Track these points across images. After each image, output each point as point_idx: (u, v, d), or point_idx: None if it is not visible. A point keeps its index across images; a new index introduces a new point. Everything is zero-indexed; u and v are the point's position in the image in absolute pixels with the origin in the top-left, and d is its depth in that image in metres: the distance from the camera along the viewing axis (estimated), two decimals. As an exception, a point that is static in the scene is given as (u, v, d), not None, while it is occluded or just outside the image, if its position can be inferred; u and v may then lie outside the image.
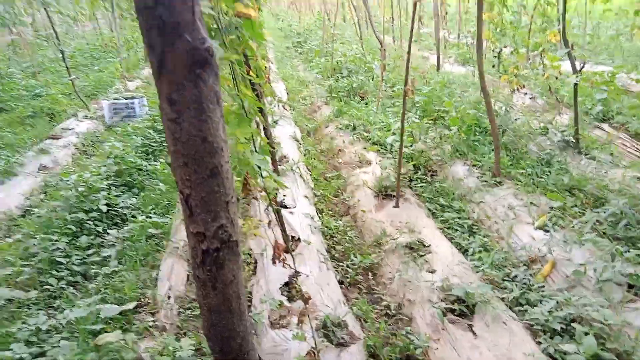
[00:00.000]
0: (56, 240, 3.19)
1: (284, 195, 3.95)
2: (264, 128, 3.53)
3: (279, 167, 4.38)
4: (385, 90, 7.36)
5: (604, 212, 3.49)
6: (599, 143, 4.99)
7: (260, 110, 3.18)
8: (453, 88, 7.11)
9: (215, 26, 2.15)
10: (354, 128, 5.87)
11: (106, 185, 3.90)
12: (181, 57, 0.68)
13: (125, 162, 4.38)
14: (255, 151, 2.13)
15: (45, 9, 7.60)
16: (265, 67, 7.36)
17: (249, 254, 3.26)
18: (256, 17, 2.20)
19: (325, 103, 7.32)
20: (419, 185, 4.47)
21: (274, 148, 3.35)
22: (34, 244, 3.13)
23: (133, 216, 3.70)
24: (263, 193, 2.33)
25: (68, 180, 3.94)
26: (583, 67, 4.71)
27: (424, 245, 3.40)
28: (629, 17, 10.49)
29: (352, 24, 11.71)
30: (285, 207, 3.79)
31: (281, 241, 3.09)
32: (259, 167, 1.97)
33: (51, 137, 5.65)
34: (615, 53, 9.47)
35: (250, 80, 2.88)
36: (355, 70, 8.60)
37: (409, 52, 3.99)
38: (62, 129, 5.94)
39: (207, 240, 0.80)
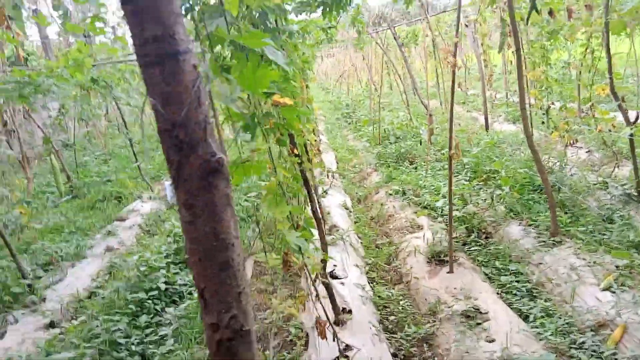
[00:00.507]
0: (117, 321, 3.35)
1: (335, 266, 3.97)
2: (311, 201, 3.63)
3: (328, 236, 4.44)
4: (434, 154, 7.39)
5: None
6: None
7: (306, 184, 3.32)
8: (503, 147, 7.04)
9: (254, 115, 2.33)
10: (404, 193, 5.89)
11: (165, 264, 4.11)
12: (195, 169, 0.80)
13: (184, 240, 4.59)
14: (295, 228, 2.21)
15: (116, 102, 8.43)
16: (315, 140, 7.66)
17: (300, 328, 3.26)
18: (292, 103, 2.36)
19: (375, 170, 7.43)
20: (473, 248, 4.36)
21: (321, 220, 3.43)
22: (97, 325, 3.30)
23: (189, 293, 3.84)
24: (309, 267, 2.39)
25: (131, 261, 4.19)
26: (637, 118, 4.59)
27: (481, 313, 3.27)
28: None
29: (399, 92, 12.06)
30: (336, 277, 3.81)
31: (330, 314, 3.09)
32: (298, 246, 2.05)
33: (118, 219, 6.07)
34: None
35: (296, 156, 3.05)
36: (402, 136, 8.74)
37: (450, 117, 4.07)
38: (129, 210, 6.38)
39: (221, 331, 0.87)
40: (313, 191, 5.07)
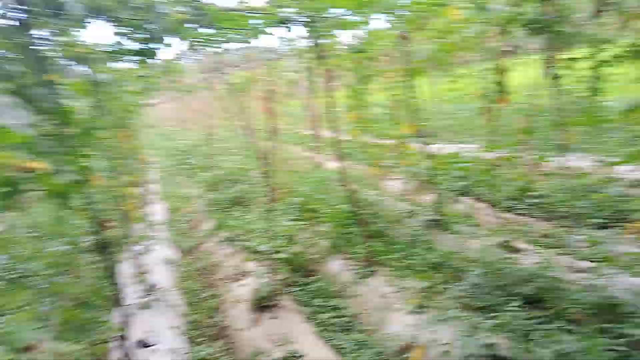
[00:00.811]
0: None
1: (148, 332, 3.60)
2: (107, 268, 3.23)
3: (143, 299, 4.07)
4: (267, 196, 7.42)
5: (465, 284, 3.59)
6: (461, 217, 5.30)
7: (104, 249, 2.93)
8: (331, 184, 7.36)
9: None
10: (234, 239, 5.74)
11: None
12: None
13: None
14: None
15: None
16: (137, 192, 7.11)
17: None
18: (46, 167, 2.05)
19: (208, 217, 7.17)
20: (296, 289, 4.35)
21: (119, 288, 3.05)
22: None
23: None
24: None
25: None
26: (437, 151, 5.13)
27: (297, 357, 3.21)
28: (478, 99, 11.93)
29: (238, 135, 12.07)
30: (148, 345, 3.44)
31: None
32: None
33: None
34: (474, 132, 10.51)
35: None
36: (238, 180, 8.66)
37: (271, 160, 4.10)
38: None
39: None
40: (132, 248, 4.64)
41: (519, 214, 5.18)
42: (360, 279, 4.21)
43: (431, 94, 11.66)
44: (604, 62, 3.41)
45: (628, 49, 3.00)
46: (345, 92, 7.45)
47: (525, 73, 5.18)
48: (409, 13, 3.68)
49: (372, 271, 4.28)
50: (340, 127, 7.11)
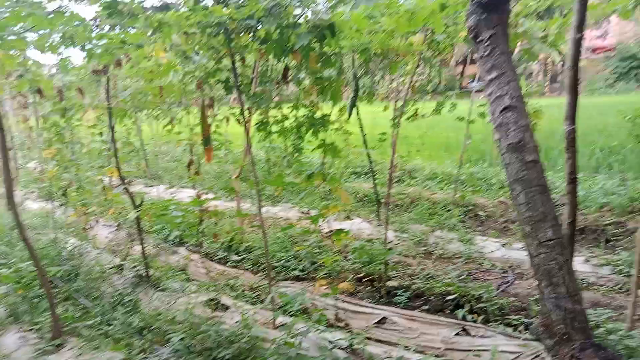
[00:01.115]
0: None
1: None
2: None
3: None
4: None
5: (166, 352, 3.32)
6: (174, 270, 5.02)
7: None
8: (26, 231, 6.08)
9: None
10: None
11: None
12: None
13: None
14: None
15: None
16: None
17: None
18: None
19: None
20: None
21: None
22: None
23: None
24: None
25: None
26: (142, 201, 4.74)
27: None
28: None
29: None
30: None
31: None
32: None
33: None
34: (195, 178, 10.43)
35: None
36: None
37: None
38: None
39: None
40: None
41: (231, 266, 5.24)
42: (40, 356, 3.46)
43: (150, 136, 11.16)
44: (298, 126, 3.77)
45: (301, 119, 3.37)
46: (43, 123, 6.42)
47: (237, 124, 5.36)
48: (99, 46, 3.28)
49: (59, 344, 3.58)
50: (38, 160, 6.08)
